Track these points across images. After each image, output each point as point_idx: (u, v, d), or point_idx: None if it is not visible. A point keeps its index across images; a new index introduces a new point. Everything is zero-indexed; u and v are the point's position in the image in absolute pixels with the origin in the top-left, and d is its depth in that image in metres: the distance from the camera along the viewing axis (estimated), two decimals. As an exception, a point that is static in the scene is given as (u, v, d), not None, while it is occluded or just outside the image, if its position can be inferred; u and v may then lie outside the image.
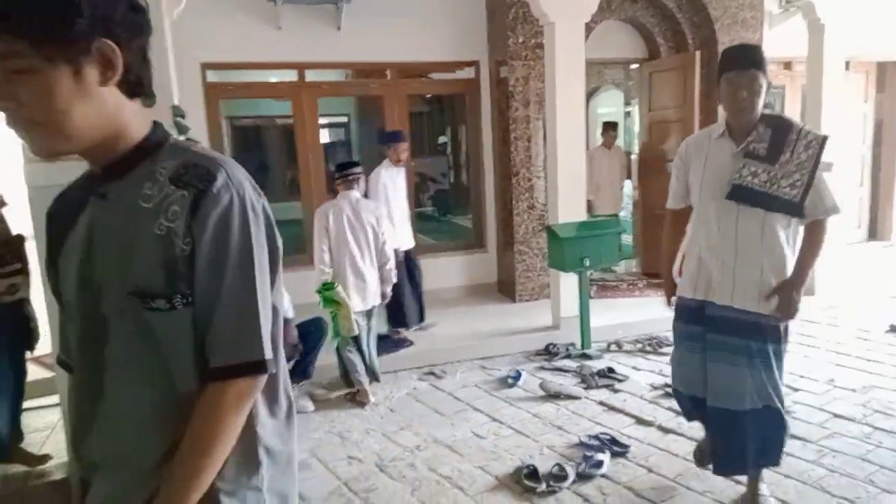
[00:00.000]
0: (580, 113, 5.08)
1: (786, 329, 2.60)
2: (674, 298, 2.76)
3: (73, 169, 3.00)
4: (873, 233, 8.07)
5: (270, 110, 9.64)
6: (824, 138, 2.44)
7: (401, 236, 4.91)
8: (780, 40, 6.73)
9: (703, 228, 2.57)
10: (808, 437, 3.32)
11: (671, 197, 2.79)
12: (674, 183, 2.74)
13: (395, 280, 4.26)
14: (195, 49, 5.30)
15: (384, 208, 4.65)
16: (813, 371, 4.22)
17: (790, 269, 2.50)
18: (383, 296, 4.20)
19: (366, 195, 4.41)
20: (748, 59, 2.43)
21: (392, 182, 4.90)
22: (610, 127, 7.30)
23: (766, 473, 2.98)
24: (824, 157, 2.43)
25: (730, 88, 2.43)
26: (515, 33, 5.81)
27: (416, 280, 5.22)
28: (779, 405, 2.56)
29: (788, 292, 2.46)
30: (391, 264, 4.19)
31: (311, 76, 6.13)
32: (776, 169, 2.40)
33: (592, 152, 7.06)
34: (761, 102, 2.43)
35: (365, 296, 4.05)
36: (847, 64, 6.79)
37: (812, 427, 3.44)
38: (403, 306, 5.02)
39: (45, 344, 3.11)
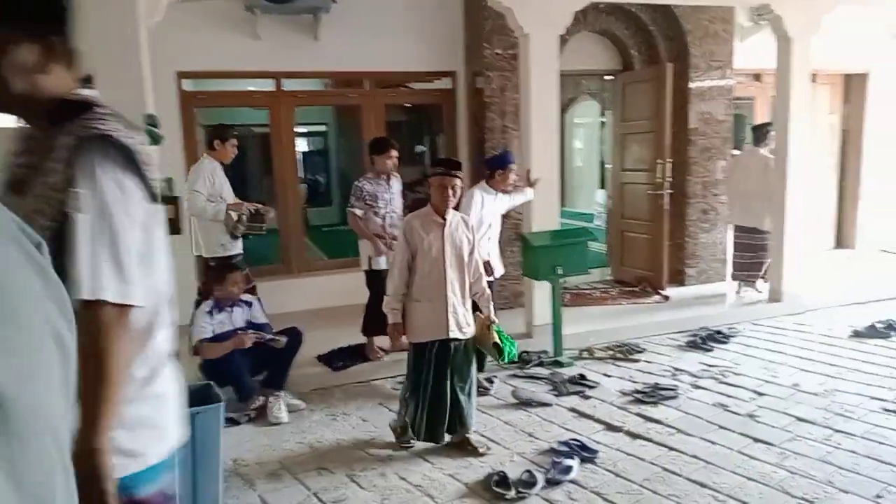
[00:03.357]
0: (554, 123, 5.17)
1: None
2: None
3: None
4: (840, 241, 8.27)
5: (248, 119, 9.63)
6: (89, 139, 1.18)
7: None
8: (750, 53, 6.89)
9: None
10: (772, 441, 3.40)
11: None
12: None
13: None
14: (171, 58, 5.30)
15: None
16: (779, 376, 4.32)
17: None
18: None
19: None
20: None
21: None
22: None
23: (730, 477, 3.07)
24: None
25: None
26: (491, 44, 5.89)
27: None
28: None
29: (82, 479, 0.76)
30: None
31: (288, 85, 6.16)
32: (27, 203, 1.21)
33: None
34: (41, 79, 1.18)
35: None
36: (814, 76, 6.98)
37: (776, 430, 3.53)
38: None
39: None
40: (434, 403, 3.33)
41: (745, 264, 6.13)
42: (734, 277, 6.32)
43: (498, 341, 3.40)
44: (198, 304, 4.28)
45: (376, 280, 4.57)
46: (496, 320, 3.44)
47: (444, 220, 3.28)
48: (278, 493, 3.10)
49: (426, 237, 3.26)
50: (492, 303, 3.46)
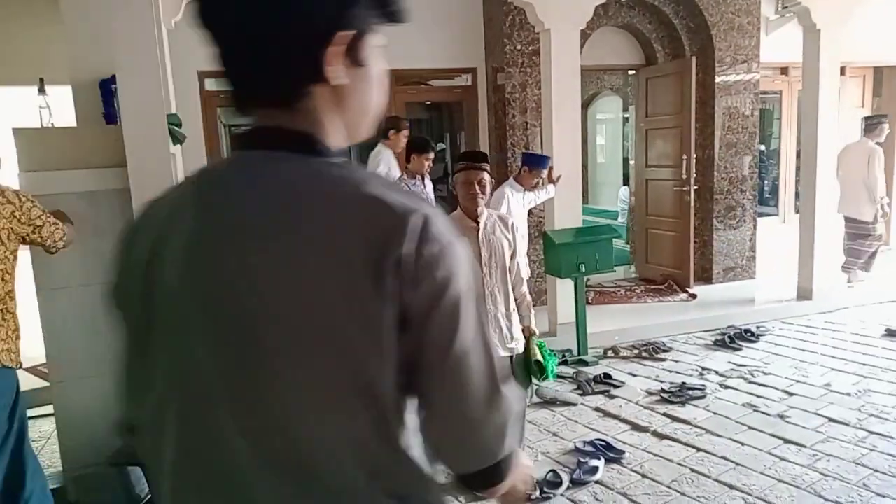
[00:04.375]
0: (576, 119, 5.10)
1: None
2: None
3: (66, 178, 3.02)
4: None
5: (270, 118, 9.72)
6: None
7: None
8: (776, 46, 6.75)
9: None
10: (803, 442, 3.32)
11: None
12: None
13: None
14: (193, 57, 5.31)
15: None
16: (810, 376, 4.22)
17: None
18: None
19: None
20: None
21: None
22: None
23: (760, 478, 3.00)
24: None
25: None
26: (512, 40, 5.84)
27: None
28: None
29: None
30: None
31: (308, 84, 6.16)
32: None
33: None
34: None
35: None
36: (843, 69, 6.81)
37: (807, 432, 3.44)
38: None
39: (40, 352, 3.12)
40: None
41: (849, 250, 6.21)
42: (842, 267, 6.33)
43: (540, 358, 3.14)
44: None
45: None
46: (536, 332, 3.11)
47: (477, 223, 2.87)
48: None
49: None
50: (532, 311, 3.12)
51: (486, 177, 2.93)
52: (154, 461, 0.82)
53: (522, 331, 3.09)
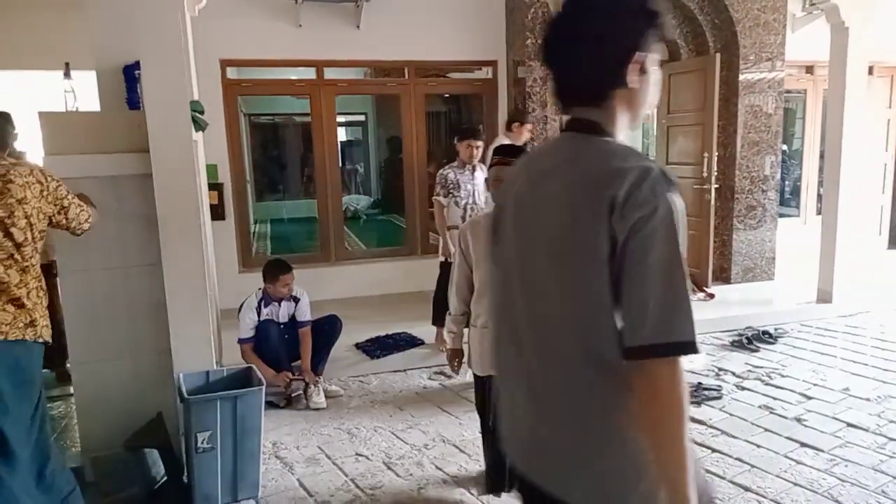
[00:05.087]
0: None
1: None
2: None
3: (89, 162, 3.03)
4: (894, 241, 7.94)
5: (289, 108, 9.71)
6: None
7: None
8: (802, 44, 6.66)
9: None
10: (820, 447, 3.28)
11: None
12: None
13: None
14: (215, 45, 5.36)
15: None
16: (828, 380, 4.17)
17: None
18: None
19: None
20: None
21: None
22: None
23: (775, 481, 2.97)
24: None
25: None
26: (534, 34, 5.80)
27: None
28: None
29: None
30: None
31: (329, 74, 6.17)
32: None
33: None
34: None
35: None
36: (871, 68, 6.69)
37: (824, 436, 3.40)
38: None
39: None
40: (496, 452, 2.66)
41: None
42: None
43: None
44: None
45: (449, 273, 4.47)
46: None
47: None
48: (316, 477, 3.12)
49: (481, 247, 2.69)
50: None
51: None
52: (492, 313, 1.36)
53: None
